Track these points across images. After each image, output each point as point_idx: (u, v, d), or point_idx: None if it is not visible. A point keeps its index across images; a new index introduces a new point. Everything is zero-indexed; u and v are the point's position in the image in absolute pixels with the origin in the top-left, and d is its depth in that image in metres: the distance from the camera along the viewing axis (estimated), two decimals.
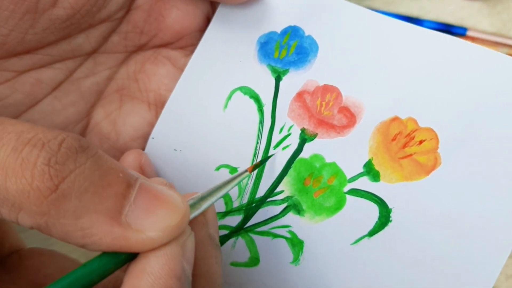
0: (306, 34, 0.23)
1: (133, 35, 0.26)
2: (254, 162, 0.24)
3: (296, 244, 0.23)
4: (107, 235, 0.16)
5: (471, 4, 0.40)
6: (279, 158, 0.23)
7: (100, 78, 0.26)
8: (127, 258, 0.17)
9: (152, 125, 0.26)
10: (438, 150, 0.21)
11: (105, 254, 0.17)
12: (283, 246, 0.23)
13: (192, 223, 0.20)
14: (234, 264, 0.24)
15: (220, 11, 0.25)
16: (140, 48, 0.27)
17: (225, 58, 0.25)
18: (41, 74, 0.25)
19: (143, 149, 0.26)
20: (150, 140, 0.25)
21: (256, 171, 0.23)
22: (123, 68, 0.27)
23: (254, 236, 0.24)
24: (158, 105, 0.26)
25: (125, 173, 0.17)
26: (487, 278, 0.20)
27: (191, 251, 0.18)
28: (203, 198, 0.20)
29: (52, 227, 0.16)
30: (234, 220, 0.24)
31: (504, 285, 0.45)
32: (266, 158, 0.23)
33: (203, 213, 0.20)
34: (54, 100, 0.26)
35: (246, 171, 0.22)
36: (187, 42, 0.26)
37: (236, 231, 0.24)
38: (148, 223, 0.17)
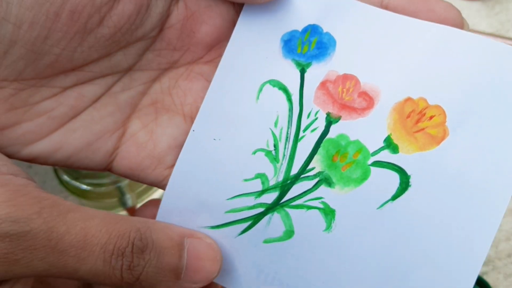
0: (325, 31, 0.27)
1: (166, 52, 0.28)
2: (287, 145, 0.27)
3: (329, 213, 0.26)
4: None
5: (470, 5, 0.43)
6: (309, 139, 0.27)
7: (135, 92, 0.29)
8: None
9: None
10: (446, 124, 0.25)
11: None
12: (317, 216, 0.26)
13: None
14: (268, 241, 0.27)
15: (244, 14, 0.28)
16: (173, 65, 0.29)
17: (253, 56, 0.28)
18: (83, 89, 0.27)
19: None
20: (191, 133, 0.28)
21: (289, 152, 0.27)
22: (156, 84, 0.29)
23: (289, 210, 0.27)
24: (193, 117, 0.29)
25: (175, 247, 0.26)
26: (488, 233, 0.24)
27: None
28: None
29: None
30: (270, 198, 0.27)
31: (503, 284, 0.48)
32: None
33: None
34: (93, 111, 0.28)
35: None
36: (217, 52, 0.29)
37: (272, 207, 0.27)
38: (199, 278, 0.26)
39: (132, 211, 0.51)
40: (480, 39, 0.24)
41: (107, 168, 0.29)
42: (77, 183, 0.52)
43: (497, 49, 0.24)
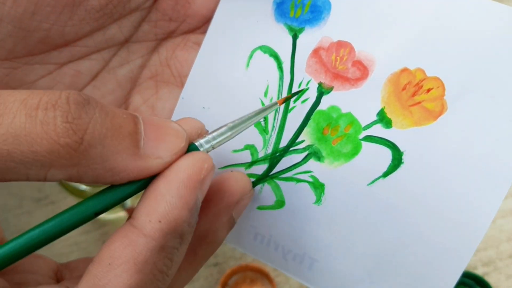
0: None
1: (162, 23, 0.27)
2: (276, 116, 0.26)
3: (318, 186, 0.25)
4: (133, 169, 0.19)
5: None
6: (299, 111, 0.25)
7: (134, 66, 0.28)
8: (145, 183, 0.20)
9: None
10: (445, 97, 0.23)
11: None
12: (306, 189, 0.26)
13: (221, 203, 0.24)
14: (261, 207, 0.27)
15: None
16: (170, 35, 0.28)
17: (243, 19, 0.26)
18: (80, 65, 0.27)
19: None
20: (180, 100, 0.27)
21: (278, 123, 0.26)
22: (155, 55, 0.28)
23: (279, 182, 0.26)
24: None
25: (127, 113, 0.20)
26: (485, 217, 0.23)
27: (208, 184, 0.21)
28: (234, 126, 0.23)
29: (83, 175, 0.19)
30: (260, 169, 0.27)
31: (505, 285, 0.47)
32: (295, 92, 0.25)
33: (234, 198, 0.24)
34: (94, 89, 0.28)
35: (276, 103, 0.24)
36: None
37: (262, 178, 0.27)
38: (162, 150, 0.20)
39: (131, 212, 0.51)
40: (484, 2, 0.22)
41: None
42: (76, 183, 0.52)
43: (503, 12, 0.22)
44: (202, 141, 0.22)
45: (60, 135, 0.17)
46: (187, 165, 0.20)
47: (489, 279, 0.47)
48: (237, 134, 0.23)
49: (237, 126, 0.23)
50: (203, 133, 0.23)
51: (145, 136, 0.20)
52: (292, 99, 0.26)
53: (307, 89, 0.25)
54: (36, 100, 0.18)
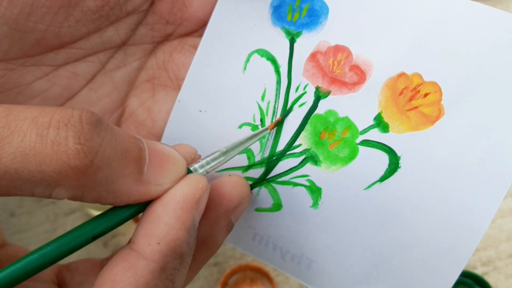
0: None
1: (159, 26, 0.27)
2: (274, 120, 0.26)
3: (315, 191, 0.25)
4: (134, 193, 0.19)
5: None
6: (296, 115, 0.25)
7: (131, 68, 0.28)
8: (142, 207, 0.21)
9: None
10: (442, 102, 0.23)
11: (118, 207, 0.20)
12: (303, 193, 0.26)
13: (220, 209, 0.24)
14: (259, 209, 0.27)
15: None
16: (167, 38, 0.28)
17: (240, 23, 0.26)
18: (76, 67, 0.27)
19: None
20: (176, 103, 0.27)
21: (275, 128, 0.26)
22: (151, 58, 0.28)
23: (276, 186, 0.26)
24: None
25: (133, 137, 0.20)
26: (483, 220, 0.23)
27: (204, 204, 0.21)
28: (227, 151, 0.23)
29: (87, 195, 0.18)
30: (256, 173, 0.27)
31: (504, 284, 0.47)
32: (284, 115, 0.25)
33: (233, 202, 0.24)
34: (90, 92, 0.28)
35: (267, 128, 0.25)
36: None
37: (259, 181, 0.27)
38: (164, 177, 0.20)
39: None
40: (482, 8, 0.22)
41: None
42: None
43: (501, 18, 0.22)
44: (196, 166, 0.22)
45: (70, 157, 0.17)
46: (182, 187, 0.20)
47: (489, 279, 0.47)
48: (229, 159, 0.23)
49: (230, 151, 0.23)
50: (196, 157, 0.23)
51: (149, 162, 0.20)
52: (289, 103, 0.25)
53: (290, 111, 0.25)
54: (47, 119, 0.17)
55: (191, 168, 0.22)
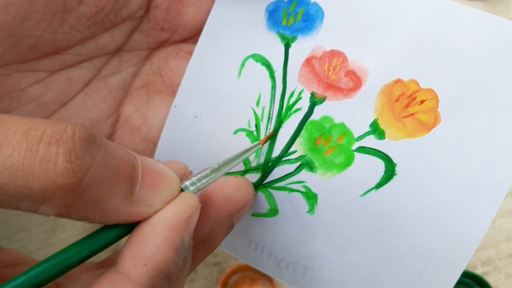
0: (312, 1, 0.25)
1: (154, 32, 0.27)
2: (268, 126, 0.26)
3: (311, 197, 0.25)
4: (123, 214, 0.19)
5: (471, 4, 0.40)
6: (292, 121, 0.25)
7: (126, 74, 0.28)
8: (130, 228, 0.20)
9: None
10: (438, 109, 0.23)
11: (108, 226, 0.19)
12: (299, 199, 0.25)
13: (223, 211, 0.23)
14: (255, 215, 0.27)
15: None
16: (162, 44, 0.28)
17: (235, 27, 0.26)
18: (71, 73, 0.27)
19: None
20: (172, 109, 0.27)
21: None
22: (147, 64, 0.28)
23: (272, 191, 0.26)
24: None
25: (127, 154, 0.19)
26: (479, 229, 0.22)
27: (194, 223, 0.20)
28: (218, 168, 0.23)
29: (74, 213, 0.18)
30: (252, 178, 0.26)
31: (504, 285, 0.47)
32: (277, 128, 0.25)
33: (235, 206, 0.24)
34: (85, 98, 0.27)
35: (258, 144, 0.24)
36: None
37: (256, 187, 0.26)
38: (156, 198, 0.19)
39: None
40: (480, 14, 0.22)
41: None
42: None
43: (498, 25, 0.21)
44: (187, 183, 0.21)
45: (59, 175, 0.16)
46: (172, 206, 0.20)
47: (489, 279, 0.47)
48: (220, 176, 0.23)
49: (221, 168, 0.23)
50: (187, 173, 0.22)
51: (141, 181, 0.19)
52: (284, 106, 0.25)
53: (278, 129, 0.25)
54: (39, 133, 0.17)
55: (182, 186, 0.21)
